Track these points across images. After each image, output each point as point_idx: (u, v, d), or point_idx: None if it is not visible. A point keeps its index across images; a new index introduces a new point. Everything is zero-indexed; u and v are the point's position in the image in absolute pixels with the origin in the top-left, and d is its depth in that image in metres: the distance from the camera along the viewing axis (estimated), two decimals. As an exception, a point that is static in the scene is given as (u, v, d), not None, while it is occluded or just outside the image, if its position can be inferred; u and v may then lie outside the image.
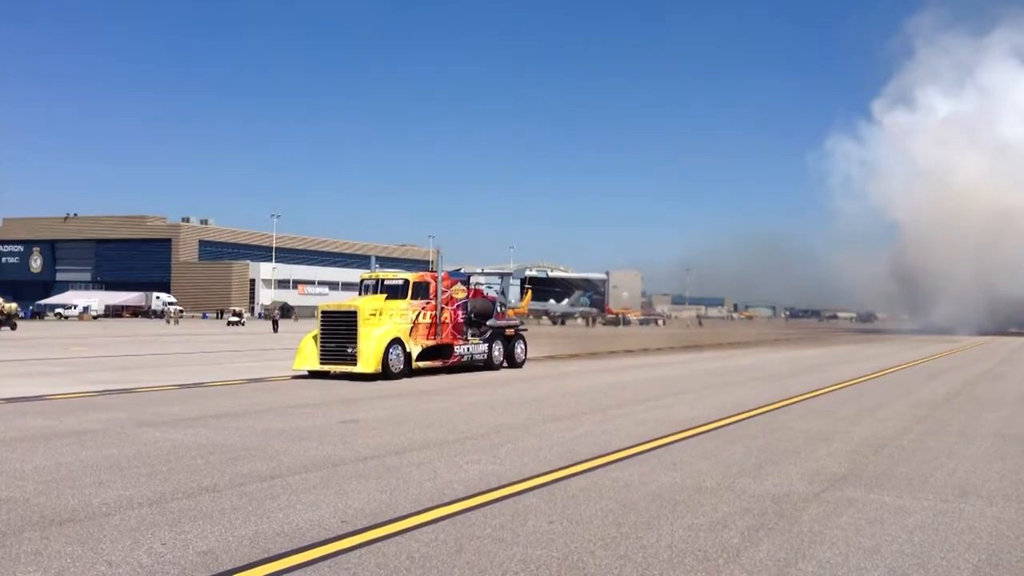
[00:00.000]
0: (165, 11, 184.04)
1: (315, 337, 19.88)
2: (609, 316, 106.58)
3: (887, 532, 6.47)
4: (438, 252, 22.37)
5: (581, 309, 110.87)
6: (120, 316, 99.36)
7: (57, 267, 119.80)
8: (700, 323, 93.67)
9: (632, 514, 6.87)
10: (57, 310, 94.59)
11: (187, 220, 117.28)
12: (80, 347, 33.26)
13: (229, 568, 5.38)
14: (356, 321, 19.30)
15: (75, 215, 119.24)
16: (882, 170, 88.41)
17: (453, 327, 21.55)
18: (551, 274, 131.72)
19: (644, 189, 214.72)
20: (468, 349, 21.88)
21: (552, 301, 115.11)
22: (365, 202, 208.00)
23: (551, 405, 14.57)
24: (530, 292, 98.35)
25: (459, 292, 22.07)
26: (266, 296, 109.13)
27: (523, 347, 24.15)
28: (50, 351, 30.42)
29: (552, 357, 29.42)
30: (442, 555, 5.71)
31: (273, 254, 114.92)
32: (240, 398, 15.13)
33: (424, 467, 8.68)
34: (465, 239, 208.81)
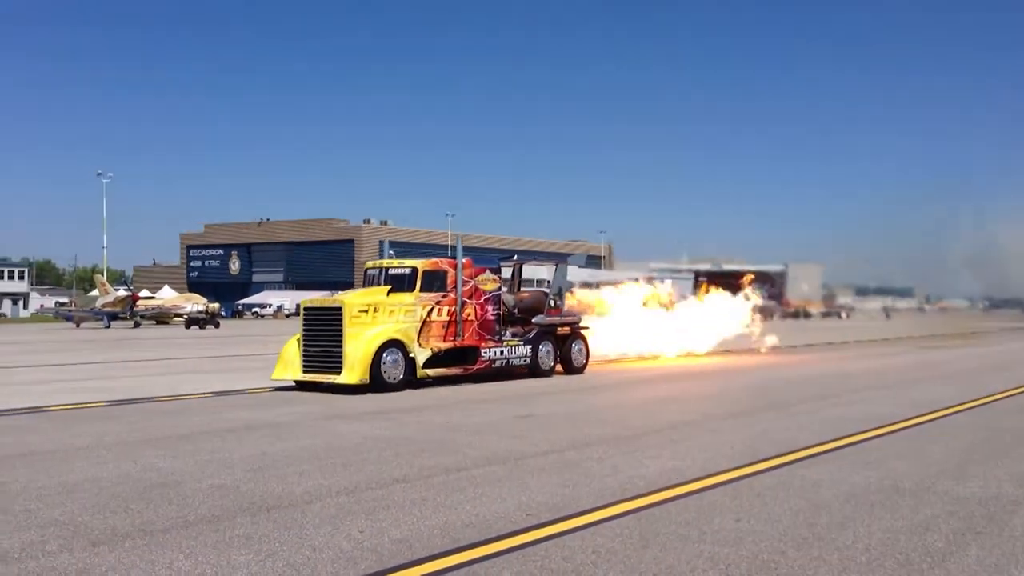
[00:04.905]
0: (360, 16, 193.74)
1: (299, 340, 16.50)
2: (788, 310, 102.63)
3: (1116, 542, 5.91)
4: (458, 237, 19.12)
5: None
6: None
7: (253, 269, 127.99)
8: (887, 316, 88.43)
9: (824, 514, 6.61)
10: (254, 309, 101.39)
11: (368, 221, 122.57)
12: (276, 344, 35.36)
13: (423, 556, 5.59)
14: (341, 320, 15.87)
15: (267, 220, 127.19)
16: None
17: (480, 325, 17.59)
18: (724, 267, 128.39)
19: (827, 180, 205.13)
20: (502, 352, 17.91)
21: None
22: (545, 199, 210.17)
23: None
24: (704, 286, 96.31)
25: (488, 283, 17.99)
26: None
27: (583, 348, 19.81)
28: (250, 347, 32.58)
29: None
30: (627, 550, 5.70)
31: (448, 251, 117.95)
32: (417, 393, 15.65)
33: (604, 462, 8.70)
34: (639, 234, 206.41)
